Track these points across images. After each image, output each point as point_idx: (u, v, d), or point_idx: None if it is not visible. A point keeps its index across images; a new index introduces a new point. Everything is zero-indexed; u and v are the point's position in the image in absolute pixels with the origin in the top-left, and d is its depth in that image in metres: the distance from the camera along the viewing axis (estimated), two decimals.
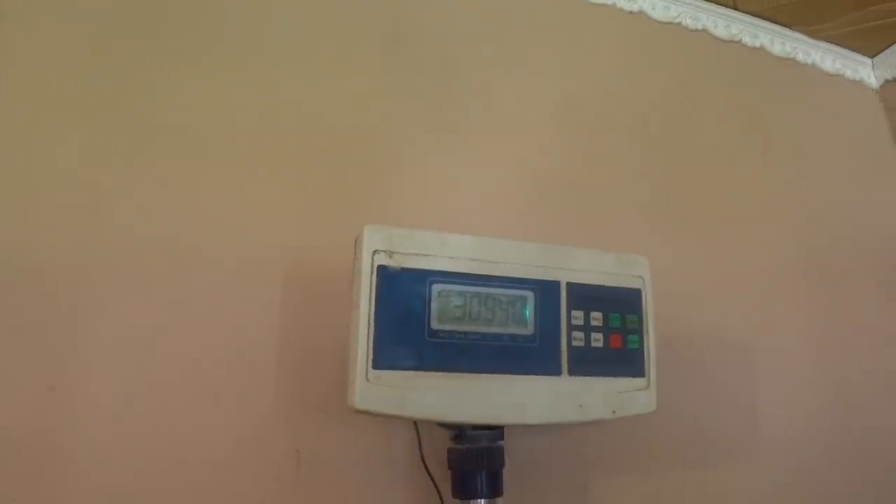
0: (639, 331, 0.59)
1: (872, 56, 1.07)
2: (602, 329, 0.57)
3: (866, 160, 1.04)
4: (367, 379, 0.48)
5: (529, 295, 0.55)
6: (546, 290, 0.55)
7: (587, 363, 0.55)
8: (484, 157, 0.79)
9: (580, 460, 0.72)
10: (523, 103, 0.83)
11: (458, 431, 0.58)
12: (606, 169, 0.84)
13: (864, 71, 1.08)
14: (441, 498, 0.62)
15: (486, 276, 0.53)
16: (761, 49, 1.00)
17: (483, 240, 0.54)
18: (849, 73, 1.07)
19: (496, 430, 0.58)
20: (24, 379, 0.57)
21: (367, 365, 0.48)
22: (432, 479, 0.62)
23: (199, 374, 0.62)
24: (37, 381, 0.58)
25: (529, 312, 0.54)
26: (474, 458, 0.57)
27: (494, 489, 0.58)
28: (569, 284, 0.56)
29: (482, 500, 0.58)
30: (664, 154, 0.88)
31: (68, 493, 0.57)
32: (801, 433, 0.84)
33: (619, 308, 0.58)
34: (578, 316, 0.56)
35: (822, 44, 1.04)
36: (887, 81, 1.07)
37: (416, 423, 0.62)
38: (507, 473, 0.58)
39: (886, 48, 1.06)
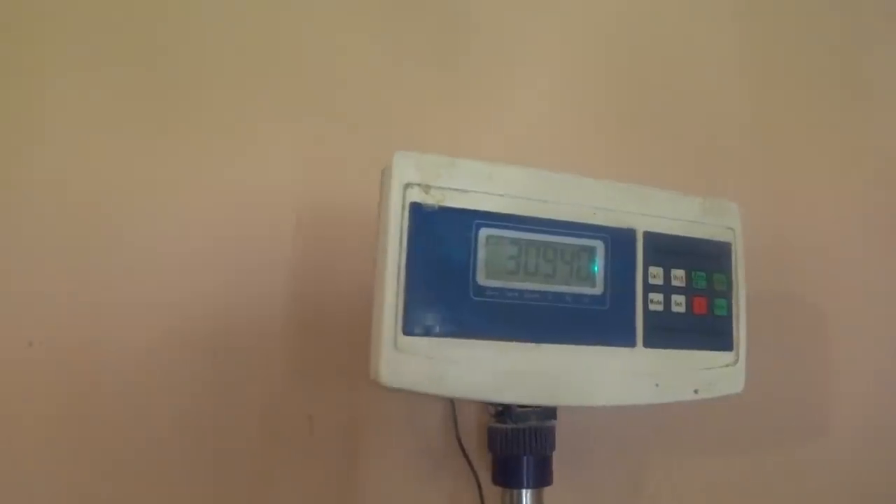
0: (727, 294, 0.47)
1: None
2: (684, 290, 0.46)
3: None
4: (397, 347, 0.38)
5: (599, 245, 0.44)
6: (619, 240, 0.44)
7: (667, 332, 0.45)
8: (529, 81, 0.66)
9: (634, 438, 0.63)
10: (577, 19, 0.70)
11: (502, 407, 0.48)
12: (671, 100, 0.72)
13: None
14: (479, 485, 0.52)
15: (545, 219, 0.42)
16: None
17: (540, 173, 0.43)
18: None
19: (547, 408, 0.48)
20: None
21: (396, 330, 0.38)
22: (469, 462, 0.53)
23: (196, 327, 0.53)
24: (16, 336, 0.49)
25: (599, 267, 0.43)
26: (520, 440, 0.47)
27: (543, 477, 0.48)
28: (646, 234, 0.45)
29: (527, 491, 0.48)
30: (742, 86, 0.75)
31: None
32: (881, 411, 0.73)
33: (704, 265, 0.47)
34: (657, 273, 0.45)
35: None
36: None
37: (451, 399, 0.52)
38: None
39: None
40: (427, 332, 0.38)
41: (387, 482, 0.56)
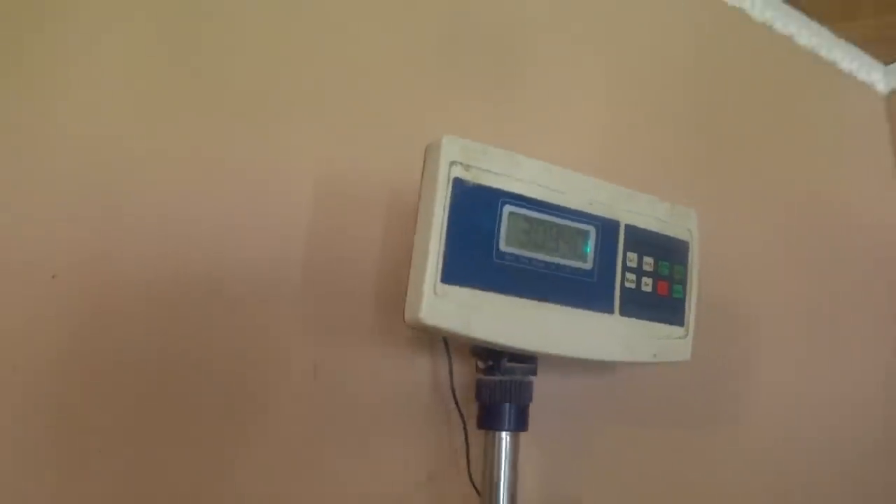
0: (683, 281, 0.59)
1: (887, 64, 1.11)
2: (652, 274, 0.57)
3: (865, 162, 1.08)
4: (435, 292, 0.47)
5: (591, 230, 0.54)
6: (607, 228, 0.55)
7: (637, 305, 0.56)
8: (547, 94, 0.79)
9: (588, 410, 0.74)
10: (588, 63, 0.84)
11: (493, 363, 0.57)
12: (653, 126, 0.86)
13: (877, 76, 1.11)
14: (465, 427, 0.61)
15: (554, 205, 0.53)
16: (789, 38, 1.02)
17: (555, 168, 0.53)
18: (862, 76, 1.10)
19: (529, 365, 0.58)
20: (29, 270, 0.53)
21: (436, 278, 0.47)
22: (459, 408, 0.62)
23: (217, 279, 0.59)
24: (43, 270, 0.53)
25: (590, 248, 0.54)
26: (505, 390, 0.57)
27: (521, 423, 0.58)
28: (627, 226, 0.56)
29: (506, 433, 0.58)
30: (696, 123, 0.90)
31: None
32: (791, 415, 0.88)
33: (668, 256, 0.59)
34: (633, 258, 0.56)
35: (844, 43, 1.07)
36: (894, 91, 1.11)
37: (448, 352, 0.61)
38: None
39: None
40: (460, 283, 0.48)
41: (381, 426, 0.63)
